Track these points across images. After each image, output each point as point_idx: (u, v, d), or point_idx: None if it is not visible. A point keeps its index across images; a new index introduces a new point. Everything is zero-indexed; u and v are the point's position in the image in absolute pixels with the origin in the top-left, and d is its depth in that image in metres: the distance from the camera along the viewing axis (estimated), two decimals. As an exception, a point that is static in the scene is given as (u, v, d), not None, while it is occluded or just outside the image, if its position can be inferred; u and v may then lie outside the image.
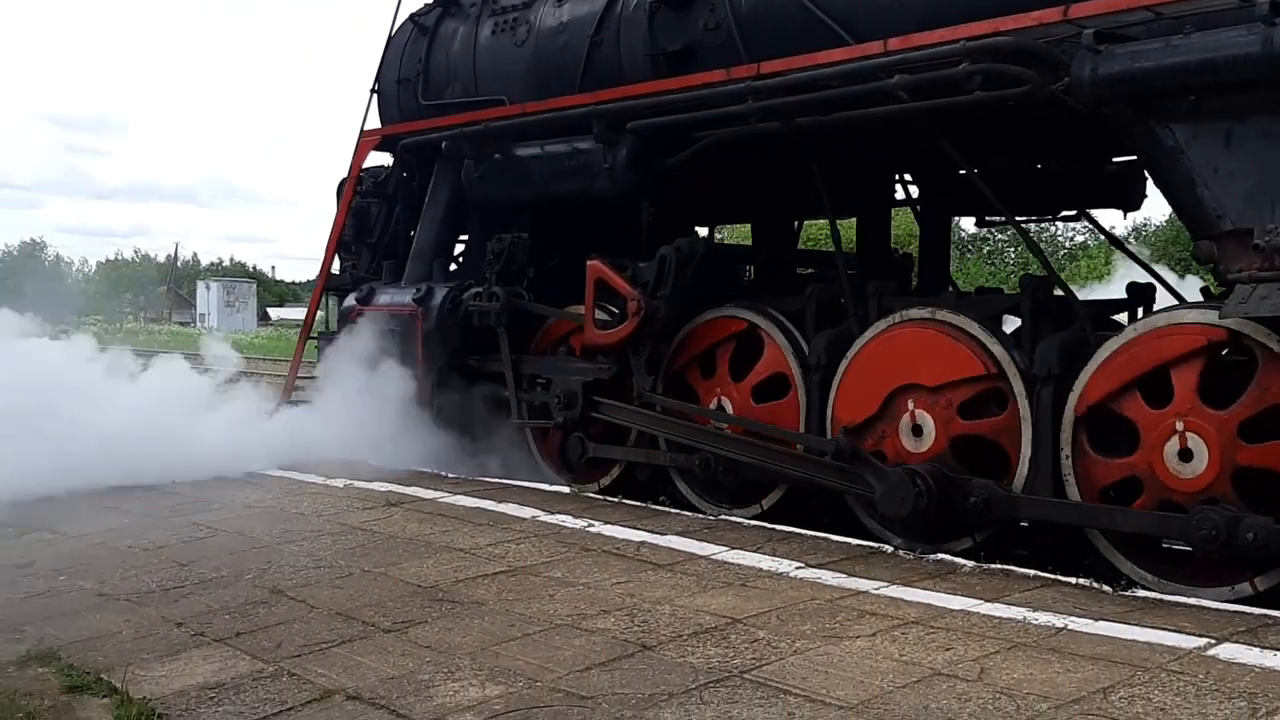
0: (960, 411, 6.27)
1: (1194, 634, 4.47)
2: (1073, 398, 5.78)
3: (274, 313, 69.31)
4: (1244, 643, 4.35)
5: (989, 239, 35.77)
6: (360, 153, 10.21)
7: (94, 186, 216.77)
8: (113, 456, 7.93)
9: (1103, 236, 9.94)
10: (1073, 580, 5.41)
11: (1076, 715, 3.66)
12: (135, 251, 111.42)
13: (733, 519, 6.96)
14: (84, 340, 10.25)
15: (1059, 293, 6.50)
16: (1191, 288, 7.65)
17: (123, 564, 5.94)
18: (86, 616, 5.06)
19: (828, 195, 7.26)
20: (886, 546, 6.17)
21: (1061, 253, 37.14)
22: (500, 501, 7.29)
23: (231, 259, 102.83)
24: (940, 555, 5.92)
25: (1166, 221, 31.04)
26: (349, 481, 8.01)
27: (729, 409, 7.39)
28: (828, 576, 5.45)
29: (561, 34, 8.51)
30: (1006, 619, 4.72)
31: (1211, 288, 6.62)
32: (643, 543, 6.18)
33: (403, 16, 10.25)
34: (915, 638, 4.49)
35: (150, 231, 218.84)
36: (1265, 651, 4.23)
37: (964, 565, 5.72)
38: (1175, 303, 6.65)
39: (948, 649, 4.34)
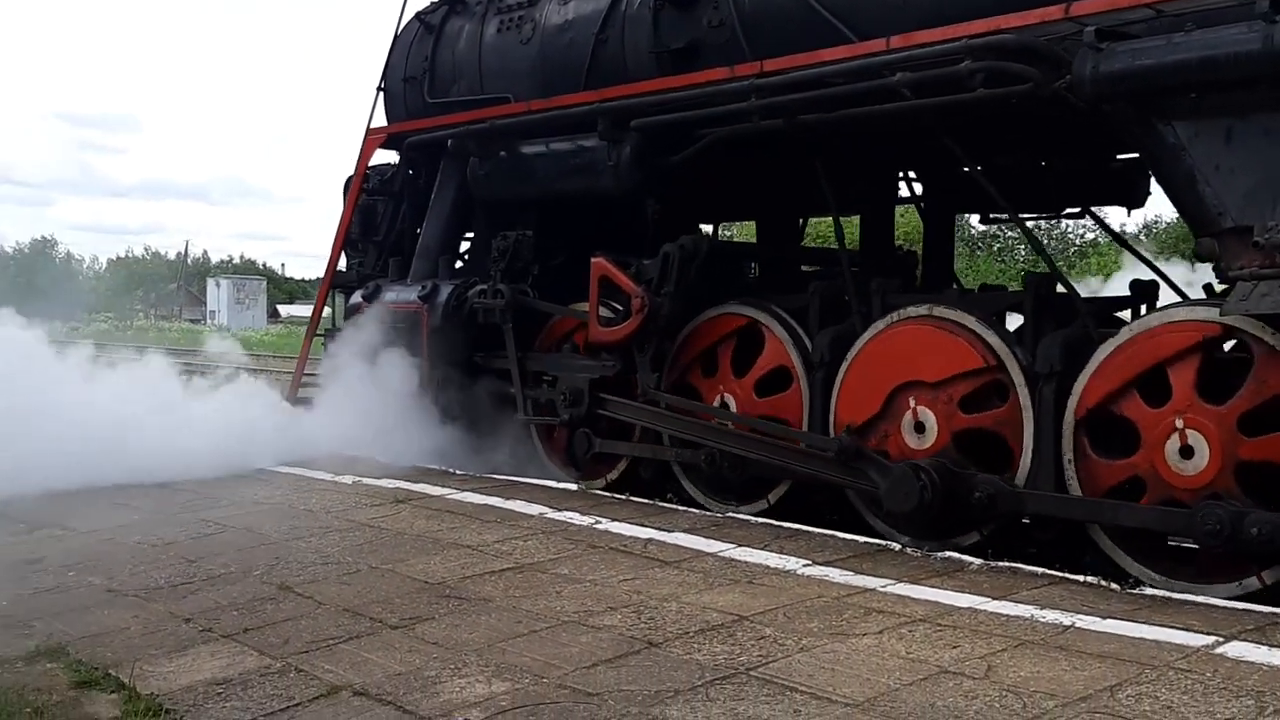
0: (961, 406, 6.29)
1: (1202, 632, 4.46)
2: (1072, 401, 5.80)
3: (284, 310, 69.53)
4: (1252, 641, 4.34)
5: (999, 236, 35.70)
6: (366, 151, 10.23)
7: (107, 184, 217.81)
8: (120, 454, 7.94)
9: (1111, 235, 9.92)
10: (1080, 578, 5.40)
11: (1083, 713, 3.65)
12: (146, 249, 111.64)
13: (740, 516, 6.96)
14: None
15: (1066, 290, 6.49)
16: (1206, 278, 7.64)
17: (131, 560, 5.96)
18: (95, 612, 5.08)
19: (832, 193, 7.27)
20: (894, 544, 6.16)
21: (1072, 250, 37.09)
22: (508, 498, 7.30)
23: (242, 256, 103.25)
24: (948, 553, 5.91)
25: (1177, 219, 30.93)
26: (357, 478, 8.03)
27: (732, 406, 7.40)
28: (834, 574, 5.45)
29: (566, 32, 8.51)
30: (1014, 617, 4.72)
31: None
32: (650, 540, 6.18)
33: (409, 15, 10.28)
34: (922, 635, 4.49)
35: (162, 229, 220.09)
36: (1273, 650, 4.22)
37: (971, 563, 5.71)
38: (1173, 301, 6.64)
39: (954, 646, 4.33)
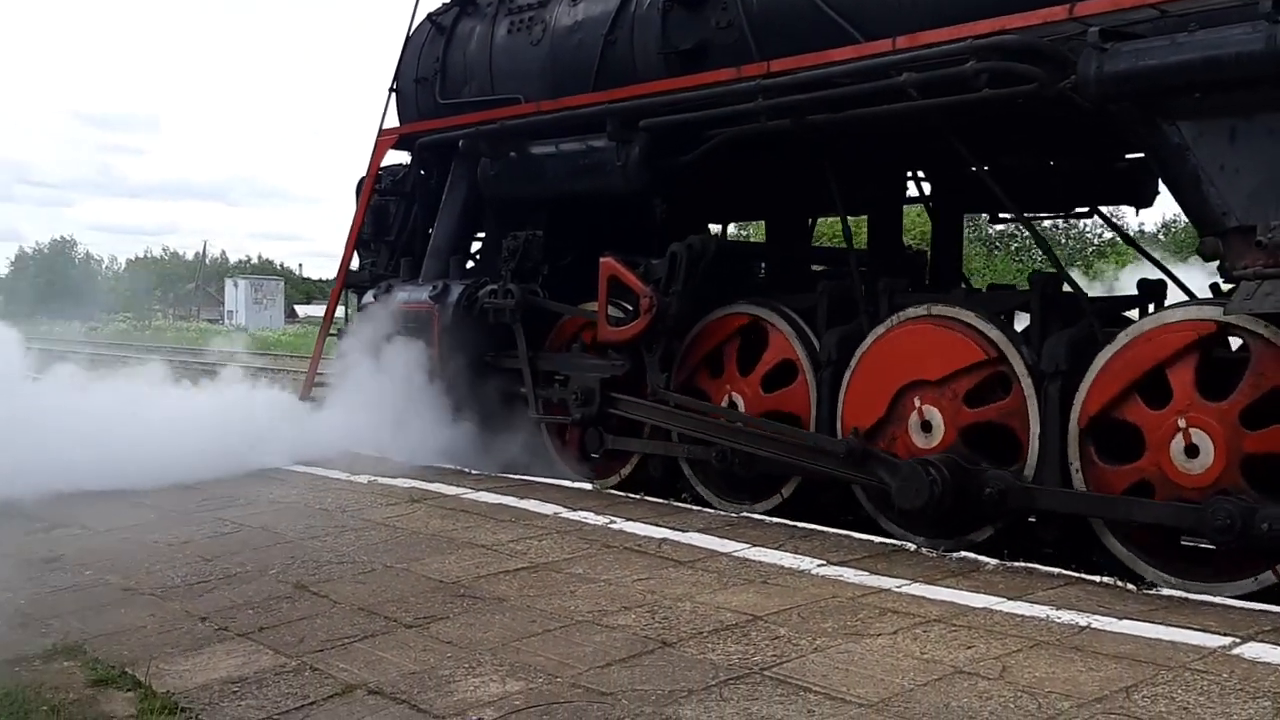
0: (966, 401, 6.30)
1: (1219, 633, 4.43)
2: (1075, 410, 5.81)
3: (301, 310, 69.74)
4: (1269, 642, 4.32)
5: (1016, 236, 35.59)
6: (379, 151, 10.27)
7: (126, 185, 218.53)
8: (141, 457, 7.99)
9: (1118, 233, 9.92)
10: (1096, 579, 5.38)
11: (1099, 714, 3.64)
12: (164, 249, 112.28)
13: (754, 516, 6.95)
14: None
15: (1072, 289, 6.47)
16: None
17: (149, 559, 5.99)
18: (112, 611, 5.10)
19: (840, 193, 7.29)
20: (909, 545, 6.15)
21: (1090, 249, 36.94)
22: (522, 498, 7.31)
23: (259, 256, 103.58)
24: (963, 554, 5.90)
25: (1194, 218, 30.72)
26: (373, 478, 8.05)
27: (740, 404, 7.41)
28: (849, 574, 5.44)
29: (576, 33, 8.54)
30: (1029, 617, 4.70)
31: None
32: (664, 540, 6.18)
33: (421, 16, 10.32)
34: (937, 636, 4.47)
35: (180, 230, 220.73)
36: (1291, 651, 4.19)
37: (987, 563, 5.69)
38: (1179, 300, 6.62)
39: (969, 647, 4.32)
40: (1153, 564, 5.59)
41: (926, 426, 6.41)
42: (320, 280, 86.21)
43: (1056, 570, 5.53)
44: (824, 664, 4.16)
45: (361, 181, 10.42)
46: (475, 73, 9.46)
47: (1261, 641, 4.32)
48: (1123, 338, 5.70)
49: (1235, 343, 5.57)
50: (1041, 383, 5.95)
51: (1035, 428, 5.98)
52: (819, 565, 5.61)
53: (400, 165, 10.41)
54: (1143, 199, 8.26)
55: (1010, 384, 6.15)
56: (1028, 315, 6.43)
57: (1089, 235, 37.48)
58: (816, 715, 3.69)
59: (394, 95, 10.40)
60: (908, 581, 5.30)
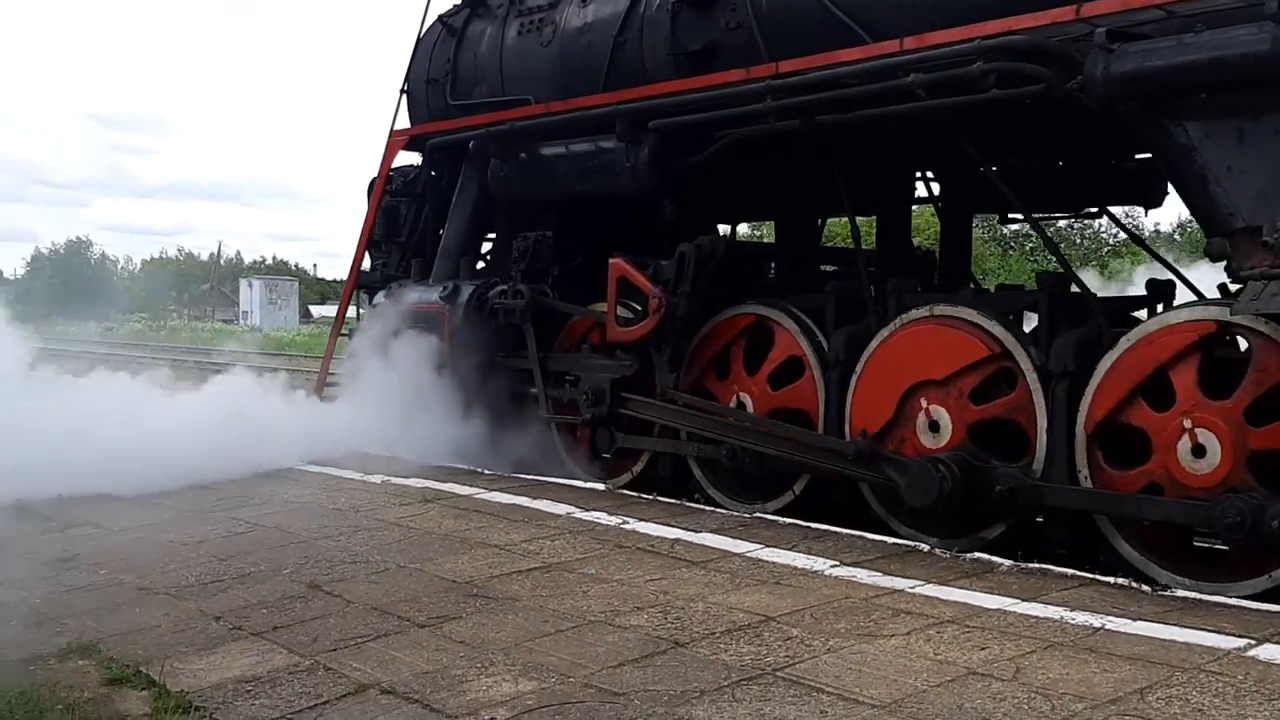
0: (972, 398, 6.31)
1: (1233, 634, 4.41)
2: (1080, 417, 5.81)
3: (316, 310, 69.89)
4: (1286, 644, 4.30)
5: (1031, 236, 35.49)
6: (390, 152, 10.31)
7: (138, 185, 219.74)
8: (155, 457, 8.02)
9: (1127, 233, 9.91)
10: (1111, 580, 5.37)
11: (1113, 716, 3.63)
12: (179, 250, 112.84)
13: (767, 517, 6.95)
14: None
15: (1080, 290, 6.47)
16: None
17: (163, 558, 6.01)
18: (126, 610, 5.13)
19: (848, 194, 7.30)
20: (922, 545, 6.13)
21: (1105, 249, 36.81)
22: (535, 498, 7.32)
23: (274, 257, 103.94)
24: (977, 554, 5.88)
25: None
26: (386, 477, 8.07)
27: (749, 404, 7.42)
28: (862, 575, 5.43)
29: (586, 34, 8.54)
30: (1043, 618, 4.69)
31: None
32: (677, 540, 6.18)
33: (432, 17, 10.34)
34: (950, 637, 4.46)
35: (194, 230, 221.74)
36: (1307, 653, 4.17)
37: (1001, 564, 5.68)
38: (1180, 303, 6.61)
39: (983, 648, 4.31)
40: (1164, 566, 5.56)
41: (934, 427, 6.41)
42: (335, 281, 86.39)
43: (1070, 571, 5.52)
44: (837, 665, 4.16)
45: (373, 182, 10.46)
46: (486, 74, 9.48)
47: (1276, 643, 4.30)
48: (1124, 342, 5.70)
49: (1245, 344, 5.56)
50: (1049, 383, 5.94)
51: (1043, 421, 5.98)
52: (832, 566, 5.60)
53: (411, 166, 10.44)
54: (1152, 199, 8.26)
55: (1015, 379, 6.16)
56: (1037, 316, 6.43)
57: (1104, 235, 37.35)
58: (829, 716, 3.69)
59: (405, 96, 10.42)
60: (921, 582, 5.29)
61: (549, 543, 6.15)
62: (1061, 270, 6.54)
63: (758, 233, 22.82)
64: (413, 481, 7.93)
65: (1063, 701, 3.75)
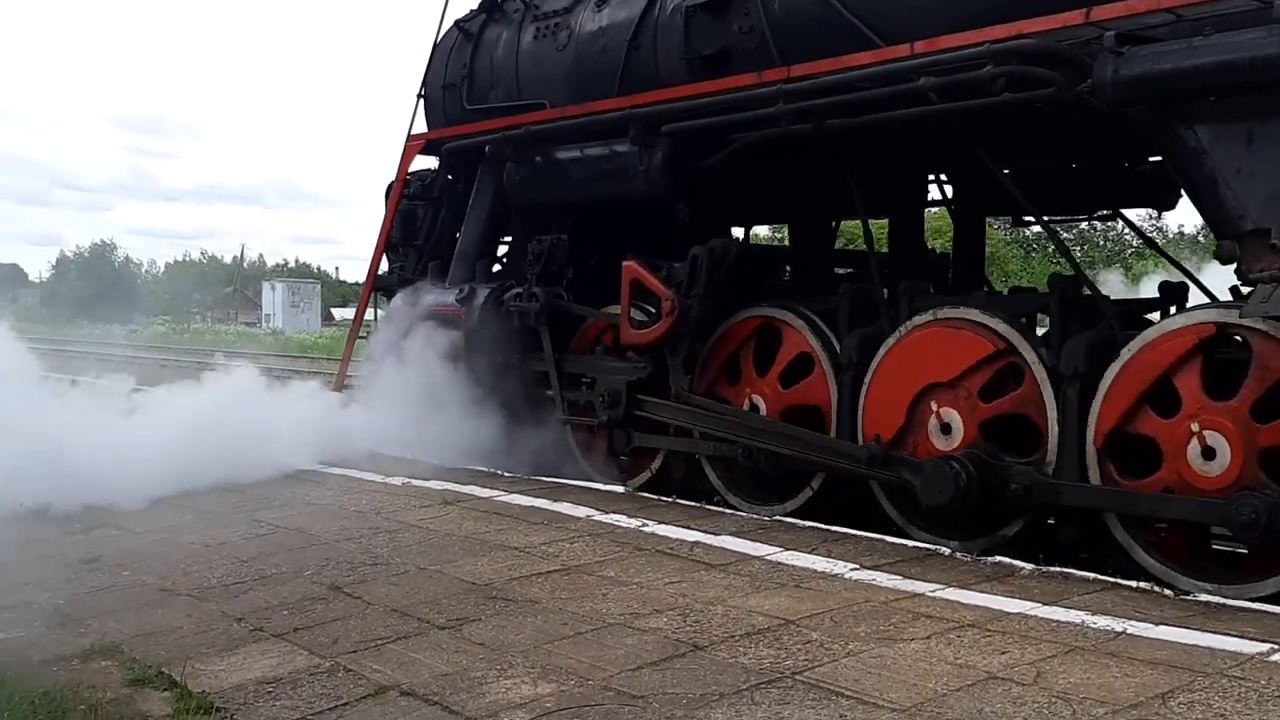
0: (981, 397, 6.31)
1: (1256, 639, 4.38)
2: (1089, 431, 5.80)
3: (337, 313, 70.15)
4: (1310, 649, 4.26)
5: (1059, 237, 35.23)
6: (407, 157, 10.36)
7: (162, 189, 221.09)
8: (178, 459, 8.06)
9: (1139, 235, 9.88)
10: (1133, 584, 5.34)
11: (1134, 721, 3.61)
12: (203, 253, 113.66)
13: (787, 520, 6.94)
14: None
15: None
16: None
17: (185, 560, 6.05)
18: (149, 611, 5.16)
19: (860, 196, 7.31)
20: (943, 549, 6.10)
21: (1129, 250, 36.61)
22: (555, 500, 7.32)
23: (297, 260, 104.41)
24: (998, 558, 5.85)
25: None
26: (406, 480, 8.09)
27: (762, 405, 7.43)
28: (883, 578, 5.42)
29: (600, 38, 8.57)
30: (1064, 622, 4.66)
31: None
32: (696, 543, 6.17)
33: (448, 23, 10.39)
34: (970, 641, 4.45)
35: (216, 233, 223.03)
36: (1331, 658, 4.14)
37: (1022, 568, 5.65)
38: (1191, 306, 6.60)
39: (1003, 652, 4.29)
40: (1183, 571, 5.53)
41: (946, 429, 6.42)
42: (356, 283, 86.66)
43: (1092, 575, 5.49)
44: (857, 668, 4.14)
45: (391, 186, 10.52)
46: (501, 78, 9.52)
47: (1301, 648, 4.27)
48: (1125, 353, 5.71)
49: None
50: (1060, 385, 5.94)
51: (1054, 424, 5.96)
52: (852, 569, 5.59)
53: (428, 170, 10.49)
54: (1166, 202, 8.25)
55: (1023, 374, 6.16)
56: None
57: (1127, 237, 37.14)
58: (848, 720, 3.68)
59: (422, 101, 10.47)
60: (942, 586, 5.27)
61: (569, 545, 6.16)
62: (1081, 273, 6.52)
63: (778, 235, 22.78)
64: (433, 484, 7.95)
65: (1084, 706, 3.73)
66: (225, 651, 4.55)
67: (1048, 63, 5.71)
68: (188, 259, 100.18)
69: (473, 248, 9.67)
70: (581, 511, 6.99)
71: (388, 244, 10.54)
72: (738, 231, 10.31)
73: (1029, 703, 3.77)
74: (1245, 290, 5.39)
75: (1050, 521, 6.29)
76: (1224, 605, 5.03)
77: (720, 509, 7.33)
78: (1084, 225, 24.37)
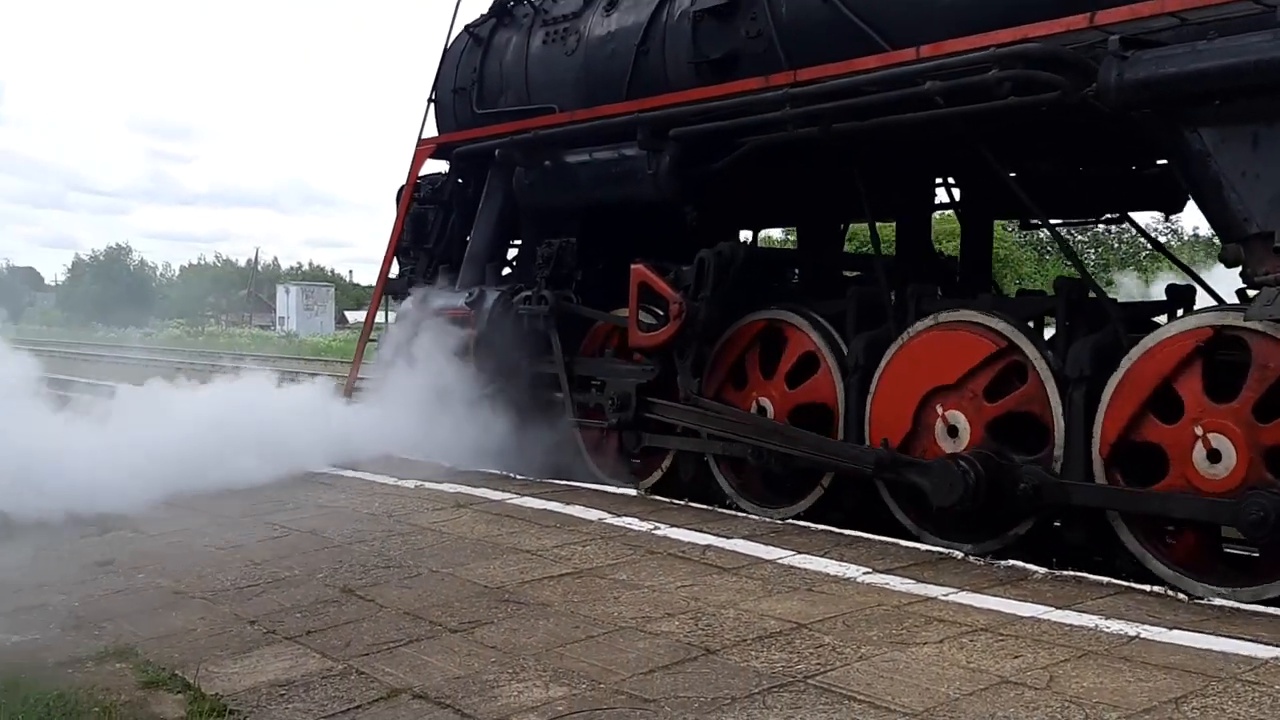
0: (986, 397, 6.32)
1: (1270, 643, 4.35)
2: (1095, 442, 5.80)
3: (351, 316, 70.37)
4: (1324, 654, 4.24)
5: (1068, 241, 35.17)
6: (417, 160, 10.40)
7: (178, 192, 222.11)
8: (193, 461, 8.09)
9: (1145, 238, 9.86)
10: (1147, 588, 5.32)
11: (1147, 726, 3.59)
12: (217, 256, 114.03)
13: (799, 523, 6.93)
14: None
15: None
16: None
17: (199, 563, 6.07)
18: (163, 614, 5.18)
19: (868, 200, 7.32)
20: (956, 553, 6.10)
21: (1144, 253, 36.47)
22: (568, 504, 7.33)
23: (311, 263, 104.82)
24: (1011, 562, 5.84)
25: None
26: (419, 483, 8.11)
27: (769, 408, 7.44)
28: (895, 582, 5.41)
29: (609, 43, 8.60)
30: (1078, 627, 4.65)
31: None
32: (708, 546, 6.17)
33: (459, 28, 10.42)
34: (983, 645, 4.43)
35: (231, 236, 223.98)
36: (1347, 663, 4.11)
37: (1035, 572, 5.63)
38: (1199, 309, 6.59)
39: (1016, 656, 4.28)
40: (1195, 577, 5.51)
41: (953, 431, 6.44)
42: (369, 286, 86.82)
43: (1105, 579, 5.47)
44: (869, 672, 4.14)
45: (401, 190, 10.56)
46: (511, 83, 9.56)
47: (1316, 653, 4.25)
48: (1125, 361, 5.72)
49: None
50: (1066, 388, 5.94)
51: (1058, 413, 5.96)
52: (865, 573, 5.58)
53: (439, 174, 10.52)
54: (1174, 204, 8.23)
55: (1026, 372, 6.17)
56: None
57: (1140, 239, 36.97)
58: (860, 724, 3.67)
59: (433, 105, 10.52)
60: (954, 590, 5.25)
61: (580, 548, 6.16)
62: (1097, 275, 6.51)
63: (789, 237, 22.77)
64: (445, 486, 7.97)
65: (1096, 711, 3.71)
66: (238, 654, 4.57)
67: (1053, 66, 5.73)
68: (203, 262, 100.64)
69: (482, 251, 9.71)
70: (594, 515, 6.99)
71: (398, 248, 10.59)
72: (746, 234, 10.33)
73: (1042, 707, 3.76)
74: (1251, 293, 5.38)
75: (1056, 524, 6.28)
76: (1238, 609, 5.01)
77: (731, 512, 7.32)
78: (1099, 228, 24.27)
